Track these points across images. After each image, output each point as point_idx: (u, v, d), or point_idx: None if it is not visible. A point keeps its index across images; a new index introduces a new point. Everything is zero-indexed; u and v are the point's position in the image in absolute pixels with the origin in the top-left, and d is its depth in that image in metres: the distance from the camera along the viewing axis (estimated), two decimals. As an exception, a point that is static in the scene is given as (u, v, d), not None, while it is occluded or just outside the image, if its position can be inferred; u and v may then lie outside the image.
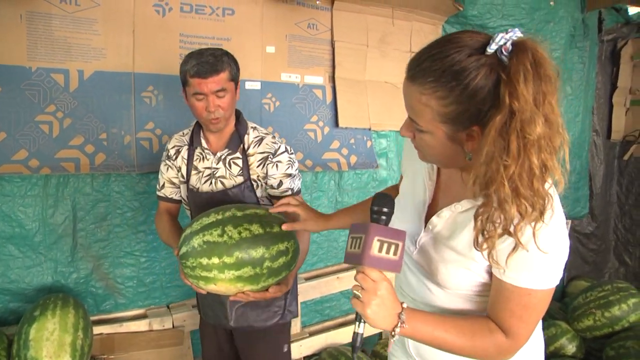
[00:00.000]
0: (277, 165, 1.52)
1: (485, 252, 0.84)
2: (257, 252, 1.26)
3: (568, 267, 3.51)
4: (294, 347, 2.24)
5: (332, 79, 2.44)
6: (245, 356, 1.69)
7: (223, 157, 1.54)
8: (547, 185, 0.80)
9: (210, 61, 1.40)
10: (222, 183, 1.54)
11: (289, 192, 1.55)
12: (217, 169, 1.54)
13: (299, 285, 1.99)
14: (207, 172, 1.55)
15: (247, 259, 1.25)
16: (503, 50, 0.78)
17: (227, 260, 1.24)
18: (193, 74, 1.40)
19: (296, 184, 1.57)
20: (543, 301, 0.88)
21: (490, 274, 0.91)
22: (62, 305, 1.72)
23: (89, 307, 1.98)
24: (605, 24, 3.39)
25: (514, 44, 0.78)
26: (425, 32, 2.65)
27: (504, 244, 0.84)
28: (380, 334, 2.66)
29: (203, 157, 1.56)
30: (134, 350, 1.97)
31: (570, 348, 2.62)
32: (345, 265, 2.53)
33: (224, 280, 1.26)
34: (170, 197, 1.65)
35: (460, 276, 0.94)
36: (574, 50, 3.20)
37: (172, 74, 2.00)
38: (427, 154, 0.94)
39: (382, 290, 0.86)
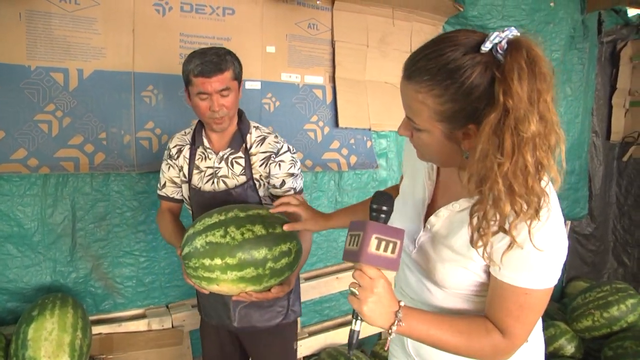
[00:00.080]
0: (279, 164, 1.52)
1: (481, 250, 0.84)
2: (260, 253, 1.26)
3: (567, 268, 3.52)
4: (293, 347, 2.24)
5: (332, 79, 2.44)
6: (256, 356, 1.70)
7: (225, 156, 1.53)
8: (543, 184, 0.80)
9: (214, 60, 1.39)
10: (225, 182, 1.53)
11: (292, 192, 1.54)
12: (219, 168, 1.54)
13: (298, 285, 1.99)
14: (209, 171, 1.55)
15: (249, 260, 1.25)
16: (498, 49, 0.78)
17: (230, 261, 1.24)
18: (197, 74, 1.39)
19: (299, 183, 1.57)
20: (541, 301, 0.88)
21: (488, 273, 0.91)
22: (60, 305, 1.71)
23: (87, 306, 1.98)
24: (605, 26, 3.41)
25: (509, 42, 0.78)
26: (425, 32, 2.65)
27: (501, 243, 0.84)
28: (379, 334, 2.66)
29: (205, 157, 1.56)
30: (133, 350, 1.97)
31: (569, 348, 2.63)
32: (345, 266, 2.53)
33: (226, 281, 1.26)
34: (171, 196, 1.64)
35: (458, 275, 0.94)
36: (574, 51, 3.21)
37: (172, 74, 2.00)
38: (425, 153, 0.94)
39: (379, 288, 0.86)
